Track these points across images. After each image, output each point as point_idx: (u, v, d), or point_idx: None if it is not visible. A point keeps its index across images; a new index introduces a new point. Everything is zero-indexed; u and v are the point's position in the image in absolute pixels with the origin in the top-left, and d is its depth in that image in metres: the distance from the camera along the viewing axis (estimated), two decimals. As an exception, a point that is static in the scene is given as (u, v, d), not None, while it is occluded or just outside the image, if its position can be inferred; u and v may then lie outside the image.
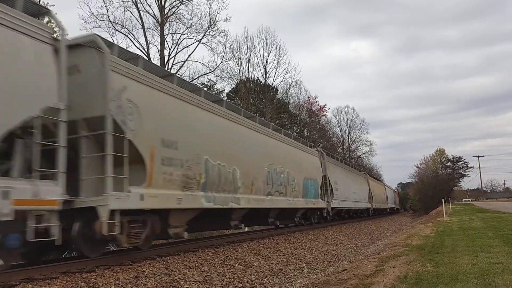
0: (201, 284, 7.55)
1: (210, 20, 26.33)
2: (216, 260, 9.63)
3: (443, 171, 67.21)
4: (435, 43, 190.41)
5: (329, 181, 22.74)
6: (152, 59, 24.38)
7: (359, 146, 68.02)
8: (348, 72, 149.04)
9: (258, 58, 37.02)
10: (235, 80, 36.42)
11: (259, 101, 39.05)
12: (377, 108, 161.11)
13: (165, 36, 25.32)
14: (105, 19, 23.41)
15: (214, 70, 28.15)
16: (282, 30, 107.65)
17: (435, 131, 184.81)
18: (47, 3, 17.41)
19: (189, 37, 26.27)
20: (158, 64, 23.56)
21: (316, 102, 50.18)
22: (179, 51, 26.39)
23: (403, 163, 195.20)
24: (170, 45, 25.85)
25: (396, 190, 78.14)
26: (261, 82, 38.43)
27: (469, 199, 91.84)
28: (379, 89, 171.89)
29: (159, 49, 25.16)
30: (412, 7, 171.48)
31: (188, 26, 25.92)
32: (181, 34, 25.96)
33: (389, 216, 48.19)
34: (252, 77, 37.25)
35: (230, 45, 32.62)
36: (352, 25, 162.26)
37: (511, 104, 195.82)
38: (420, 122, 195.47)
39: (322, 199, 21.34)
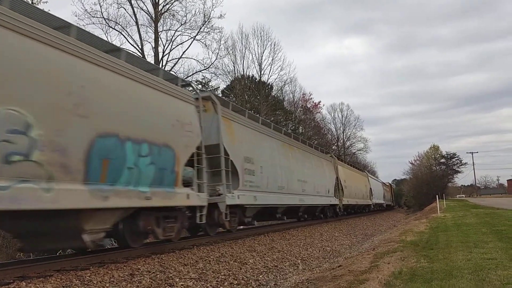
0: (197, 281, 7.54)
1: (204, 17, 26.26)
2: (211, 257, 9.63)
3: (437, 168, 67.63)
4: (428, 41, 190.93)
5: (225, 154, 12.13)
6: (146, 56, 24.29)
7: (354, 143, 68.27)
8: (342, 69, 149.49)
9: (253, 55, 37.00)
10: (230, 77, 36.44)
11: (254, 98, 39.02)
12: (371, 105, 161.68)
13: (159, 33, 25.23)
14: (99, 16, 23.28)
15: (208, 67, 28.10)
16: (276, 28, 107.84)
17: (429, 128, 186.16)
18: (40, -1, 17.29)
19: (184, 34, 26.20)
20: (152, 61, 23.46)
21: (311, 99, 50.25)
22: (173, 48, 26.31)
23: (398, 160, 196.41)
24: (164, 42, 25.77)
25: (388, 184, 68.86)
26: (256, 79, 38.43)
27: (463, 195, 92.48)
28: (373, 87, 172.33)
29: (153, 46, 25.05)
30: (406, 5, 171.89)
31: (183, 23, 25.83)
32: (175, 31, 25.87)
33: (384, 212, 48.33)
34: (247, 74, 37.26)
35: (225, 42, 32.60)
36: (345, 23, 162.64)
37: (503, 101, 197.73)
38: (414, 119, 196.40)
39: (193, 189, 10.68)
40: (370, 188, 41.00)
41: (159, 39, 25.21)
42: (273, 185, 16.16)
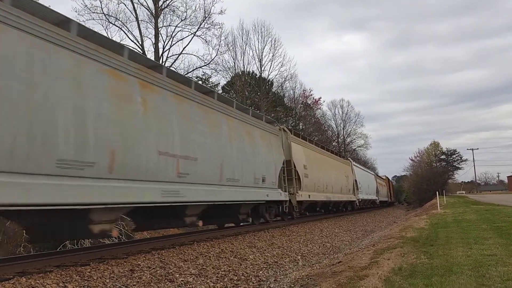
0: (197, 277, 7.54)
1: (204, 12, 26.21)
2: (212, 253, 9.63)
3: (438, 164, 67.77)
4: (427, 38, 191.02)
5: None
6: (146, 52, 24.24)
7: (354, 139, 68.28)
8: (342, 66, 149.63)
9: (253, 51, 37.02)
10: (230, 73, 36.41)
11: (254, 94, 38.97)
12: (371, 102, 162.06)
13: (160, 29, 25.18)
14: (99, 11, 23.22)
15: (209, 63, 28.07)
16: (276, 25, 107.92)
17: (429, 124, 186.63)
18: (40, -6, 17.23)
19: (184, 29, 26.16)
20: (152, 57, 23.41)
21: (311, 95, 50.31)
22: (173, 44, 26.29)
23: (398, 156, 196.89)
24: (164, 38, 25.74)
25: (385, 178, 62.29)
26: (256, 75, 38.37)
27: (463, 192, 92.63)
28: (373, 83, 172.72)
29: (154, 41, 25.02)
30: (404, 1, 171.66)
31: (183, 19, 25.78)
32: (176, 26, 25.83)
33: (384, 209, 48.33)
34: (247, 70, 37.23)
35: (225, 38, 32.65)
36: (344, 20, 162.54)
37: (502, 97, 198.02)
38: (413, 115, 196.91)
39: None
40: (355, 180, 32.66)
41: (159, 35, 25.19)
42: (38, 158, 6.01)
